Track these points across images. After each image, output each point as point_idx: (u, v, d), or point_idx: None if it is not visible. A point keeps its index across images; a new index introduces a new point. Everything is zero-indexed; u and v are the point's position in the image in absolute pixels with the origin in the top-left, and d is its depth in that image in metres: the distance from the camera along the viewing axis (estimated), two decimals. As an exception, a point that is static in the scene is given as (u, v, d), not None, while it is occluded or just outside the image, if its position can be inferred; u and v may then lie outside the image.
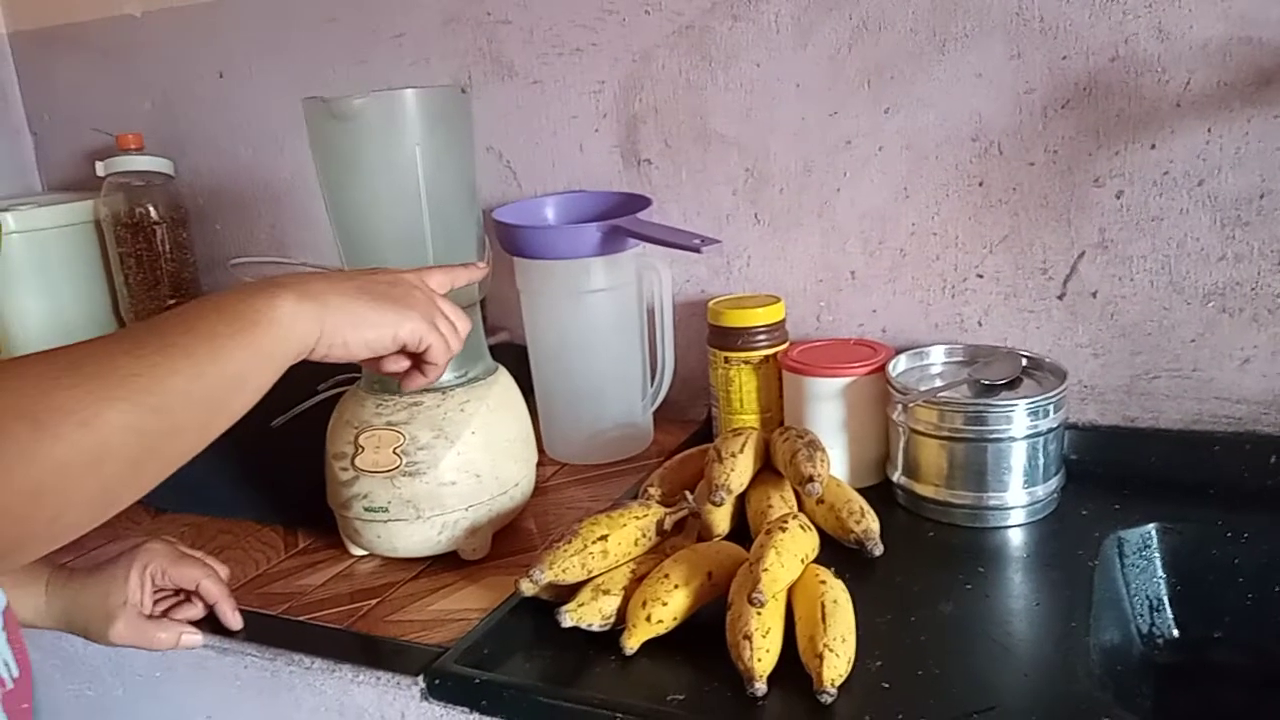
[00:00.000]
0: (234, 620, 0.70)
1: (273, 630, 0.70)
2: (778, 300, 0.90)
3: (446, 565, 0.77)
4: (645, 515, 0.70)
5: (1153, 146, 0.80)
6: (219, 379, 0.49)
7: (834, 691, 0.56)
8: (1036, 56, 0.82)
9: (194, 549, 0.73)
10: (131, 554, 0.69)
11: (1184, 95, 0.79)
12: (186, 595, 0.71)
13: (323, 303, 0.55)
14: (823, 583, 0.63)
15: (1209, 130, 0.78)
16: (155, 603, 0.69)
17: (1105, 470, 0.84)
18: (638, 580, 0.66)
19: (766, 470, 0.79)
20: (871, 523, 0.74)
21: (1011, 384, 0.80)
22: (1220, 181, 0.79)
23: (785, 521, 0.66)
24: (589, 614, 0.65)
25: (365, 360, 0.60)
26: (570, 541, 0.67)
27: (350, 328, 0.56)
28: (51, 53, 1.29)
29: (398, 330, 0.59)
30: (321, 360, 0.56)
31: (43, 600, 0.68)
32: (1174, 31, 0.78)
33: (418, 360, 0.63)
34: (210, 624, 0.71)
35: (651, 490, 0.80)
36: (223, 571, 0.73)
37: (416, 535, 0.75)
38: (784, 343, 0.90)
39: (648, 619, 0.63)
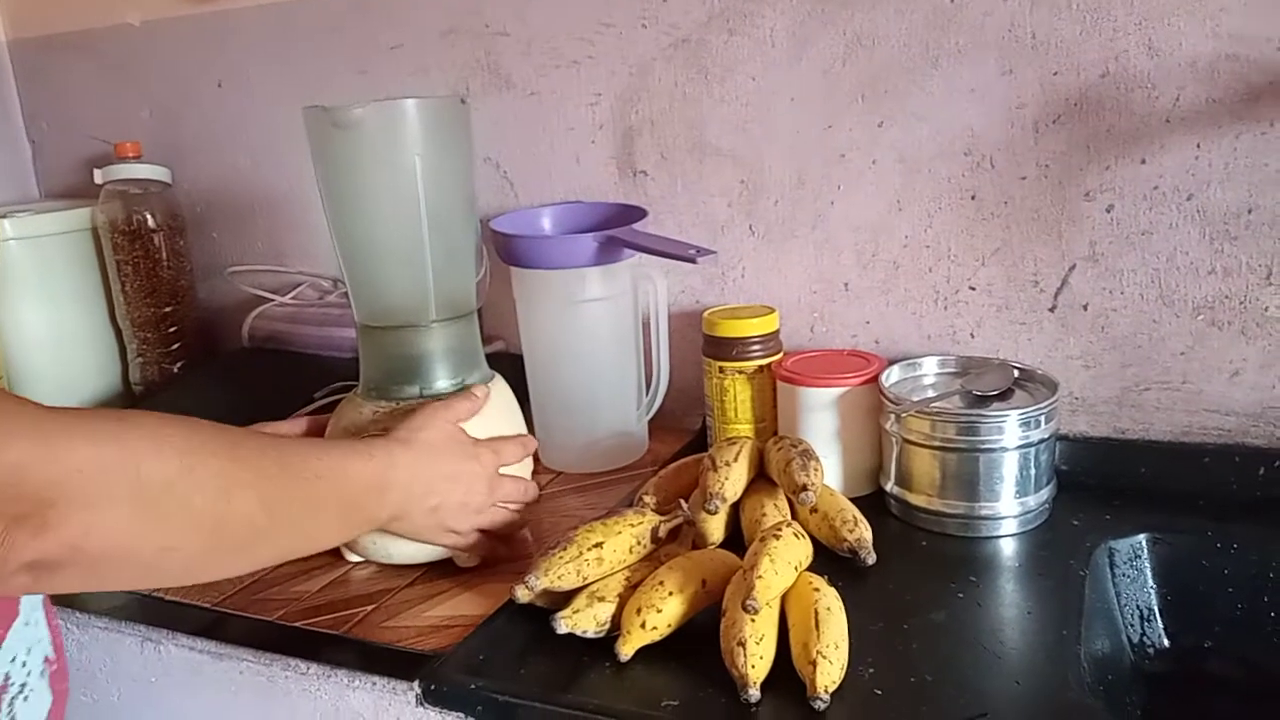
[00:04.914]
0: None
1: (268, 635, 0.70)
2: (772, 311, 0.91)
3: (442, 572, 0.77)
4: (640, 523, 0.70)
5: (1142, 161, 0.81)
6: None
7: (827, 698, 0.57)
8: (1028, 72, 0.83)
9: None
10: None
11: (1173, 111, 0.80)
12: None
13: None
14: (816, 590, 0.63)
15: (1198, 145, 0.80)
16: None
17: (1096, 481, 0.85)
18: (632, 587, 0.66)
19: (760, 479, 0.80)
20: (864, 531, 0.74)
21: (1003, 395, 0.81)
22: (1209, 196, 0.80)
23: (779, 529, 0.66)
24: (584, 620, 0.65)
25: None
26: (565, 549, 0.67)
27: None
28: (50, 60, 1.30)
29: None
30: None
31: None
32: (1164, 48, 0.79)
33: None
34: (208, 630, 0.71)
35: (646, 498, 0.80)
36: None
37: (412, 542, 0.75)
38: (778, 353, 0.91)
39: (642, 626, 0.63)
